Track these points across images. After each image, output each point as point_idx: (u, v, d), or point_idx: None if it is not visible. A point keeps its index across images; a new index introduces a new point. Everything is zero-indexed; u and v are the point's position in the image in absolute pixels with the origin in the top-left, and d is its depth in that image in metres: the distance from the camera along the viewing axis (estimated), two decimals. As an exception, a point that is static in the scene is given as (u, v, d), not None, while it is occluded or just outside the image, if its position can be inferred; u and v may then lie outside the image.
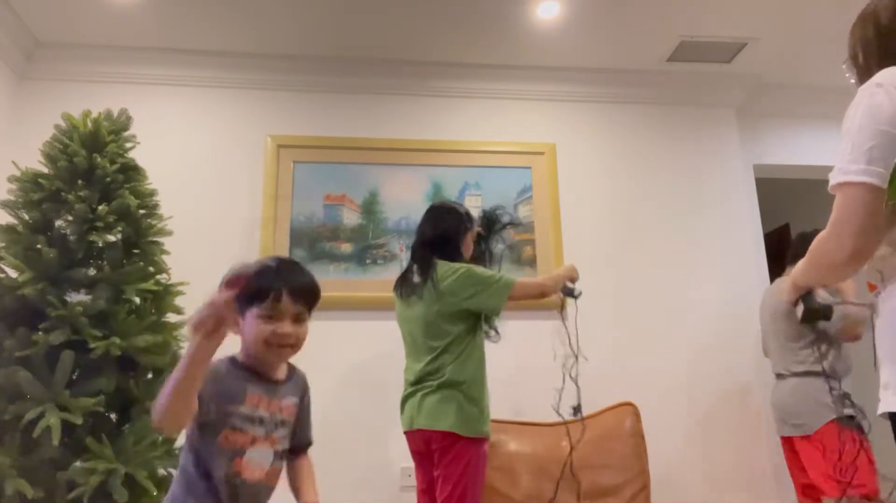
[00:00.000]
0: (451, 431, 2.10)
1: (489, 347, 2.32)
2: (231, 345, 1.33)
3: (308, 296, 1.38)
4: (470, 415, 2.13)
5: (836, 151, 1.17)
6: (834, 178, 1.14)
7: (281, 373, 1.44)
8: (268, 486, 1.37)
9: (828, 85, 3.53)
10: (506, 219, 2.51)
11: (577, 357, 2.43)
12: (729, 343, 3.19)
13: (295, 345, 1.37)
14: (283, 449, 1.40)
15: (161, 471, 2.33)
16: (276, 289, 1.34)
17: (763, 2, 2.92)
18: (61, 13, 2.92)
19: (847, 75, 1.34)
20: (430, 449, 2.16)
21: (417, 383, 2.21)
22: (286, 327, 1.34)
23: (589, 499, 2.54)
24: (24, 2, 2.84)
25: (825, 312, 1.44)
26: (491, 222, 2.47)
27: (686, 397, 3.09)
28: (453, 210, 2.40)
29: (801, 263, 1.32)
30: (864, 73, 1.26)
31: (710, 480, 3.00)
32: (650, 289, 3.23)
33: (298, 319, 1.37)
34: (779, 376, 2.68)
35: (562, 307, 2.47)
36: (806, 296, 1.43)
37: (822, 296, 1.41)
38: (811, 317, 1.44)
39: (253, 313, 1.35)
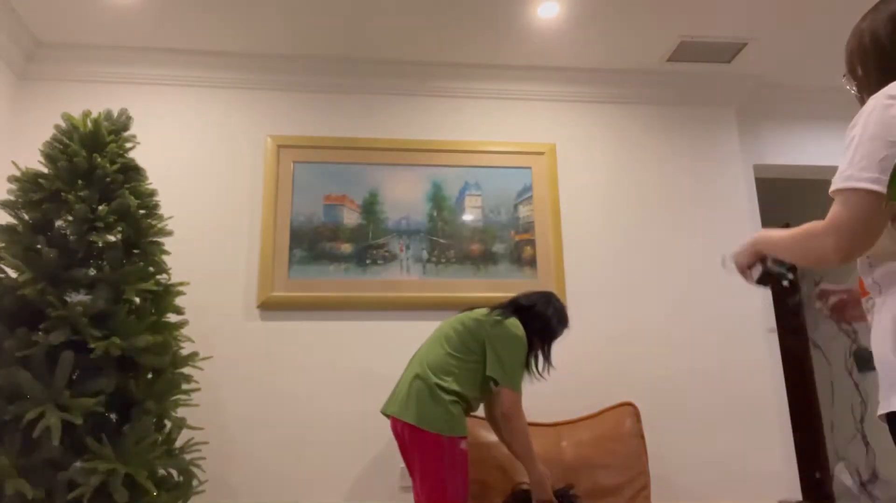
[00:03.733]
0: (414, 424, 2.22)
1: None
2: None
3: None
4: (438, 415, 2.23)
5: (843, 155, 1.18)
6: (842, 183, 1.15)
7: None
8: None
9: (828, 85, 3.53)
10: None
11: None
12: (729, 343, 3.19)
13: None
14: None
15: (161, 472, 2.33)
16: None
17: (763, 2, 2.92)
18: (61, 13, 2.92)
19: (848, 87, 1.36)
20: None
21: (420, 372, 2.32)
22: None
23: (589, 499, 2.54)
24: (24, 2, 2.84)
25: (781, 276, 1.49)
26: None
27: (686, 397, 3.09)
28: (563, 312, 2.52)
29: (779, 238, 1.33)
30: (865, 87, 1.29)
31: (710, 480, 2.99)
32: (650, 289, 3.23)
33: None
34: None
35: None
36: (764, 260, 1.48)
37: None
38: (767, 281, 1.49)
39: None
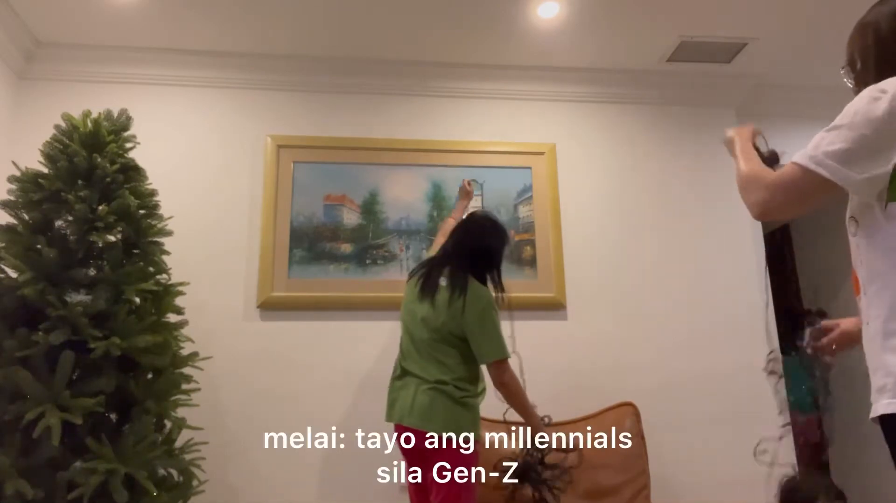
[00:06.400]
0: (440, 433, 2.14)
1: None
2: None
3: None
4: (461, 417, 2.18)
5: (821, 131, 1.26)
6: (802, 160, 1.24)
7: None
8: None
9: (828, 85, 3.52)
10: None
11: None
12: (730, 343, 3.19)
13: None
14: None
15: (161, 472, 2.33)
16: None
17: (763, 2, 2.92)
18: (61, 13, 2.92)
19: (846, 80, 1.38)
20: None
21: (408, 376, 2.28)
22: None
23: (589, 499, 2.54)
24: (24, 2, 2.84)
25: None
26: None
27: (686, 396, 3.09)
28: (499, 228, 2.43)
29: (739, 157, 1.53)
30: (862, 80, 1.30)
31: (710, 480, 2.99)
32: (650, 289, 3.23)
33: None
34: None
35: None
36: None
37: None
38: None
39: None
